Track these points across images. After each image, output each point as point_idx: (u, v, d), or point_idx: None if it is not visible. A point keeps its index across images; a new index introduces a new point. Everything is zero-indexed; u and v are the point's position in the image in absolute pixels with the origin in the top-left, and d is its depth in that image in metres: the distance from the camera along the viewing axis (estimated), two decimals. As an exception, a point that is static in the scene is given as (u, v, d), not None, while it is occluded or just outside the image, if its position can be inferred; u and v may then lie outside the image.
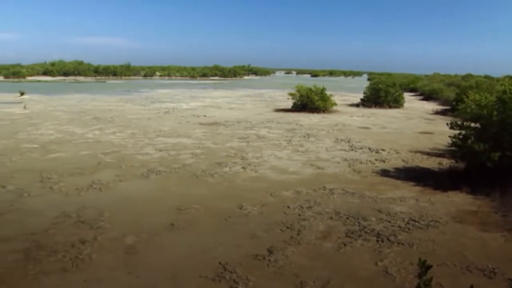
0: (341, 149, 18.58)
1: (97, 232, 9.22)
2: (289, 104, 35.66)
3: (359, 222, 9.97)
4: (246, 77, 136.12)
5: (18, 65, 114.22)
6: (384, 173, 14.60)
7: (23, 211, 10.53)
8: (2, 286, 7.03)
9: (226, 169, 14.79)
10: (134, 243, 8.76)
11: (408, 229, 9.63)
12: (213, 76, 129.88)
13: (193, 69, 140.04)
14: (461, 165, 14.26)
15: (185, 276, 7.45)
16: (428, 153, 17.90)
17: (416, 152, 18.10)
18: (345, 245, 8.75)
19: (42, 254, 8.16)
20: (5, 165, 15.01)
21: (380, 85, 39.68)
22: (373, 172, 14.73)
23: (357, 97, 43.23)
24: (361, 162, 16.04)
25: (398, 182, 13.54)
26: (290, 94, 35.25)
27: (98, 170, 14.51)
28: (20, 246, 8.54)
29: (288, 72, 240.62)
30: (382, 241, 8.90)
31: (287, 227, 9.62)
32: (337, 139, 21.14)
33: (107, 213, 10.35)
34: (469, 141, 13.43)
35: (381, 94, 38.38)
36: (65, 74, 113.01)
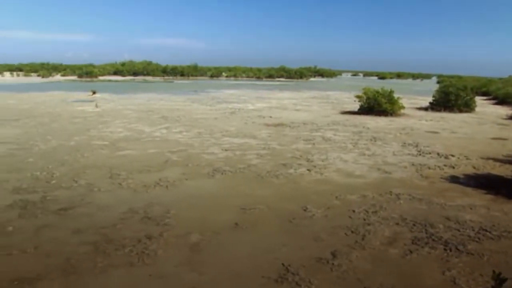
0: (409, 154, 18.14)
1: (163, 229, 9.43)
2: (355, 106, 35.22)
3: (426, 229, 9.70)
4: (312, 79, 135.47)
5: (91, 65, 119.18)
6: (453, 179, 14.13)
7: (93, 205, 10.92)
8: (73, 275, 7.33)
9: (291, 170, 14.77)
10: (198, 241, 8.90)
11: (478, 238, 9.28)
12: (279, 77, 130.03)
13: (259, 70, 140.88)
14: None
15: (248, 275, 7.49)
16: (501, 160, 17.16)
17: (488, 158, 17.40)
18: (411, 252, 8.54)
19: (110, 247, 8.44)
20: (77, 160, 15.63)
21: (450, 88, 38.29)
22: (441, 178, 14.30)
23: (426, 100, 42.05)
24: (429, 168, 15.61)
25: (468, 189, 13.07)
26: (357, 96, 34.76)
27: (165, 168, 14.84)
28: (90, 238, 8.87)
29: (355, 74, 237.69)
30: (450, 250, 8.62)
31: (352, 231, 9.50)
32: (404, 143, 20.67)
33: (173, 211, 10.57)
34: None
35: (451, 97, 37.00)
36: (135, 74, 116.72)
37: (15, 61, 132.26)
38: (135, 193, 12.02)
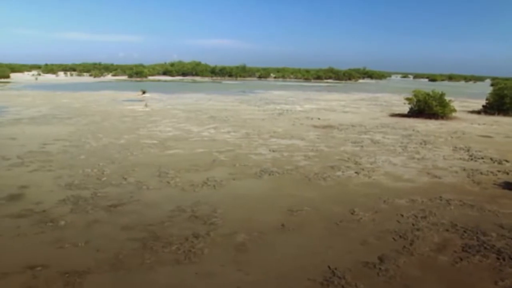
0: (460, 158, 17.69)
1: (210, 228, 9.51)
2: (405, 109, 34.64)
3: (477, 237, 9.42)
4: (361, 81, 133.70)
5: (141, 65, 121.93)
6: (507, 186, 13.65)
7: (142, 203, 11.12)
8: (122, 271, 7.49)
9: (339, 173, 14.64)
10: (245, 240, 8.93)
11: (534, 248, 8.94)
12: (327, 78, 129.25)
13: (307, 71, 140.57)
14: None
15: (294, 277, 7.46)
16: (558, 167, 16.50)
17: (545, 165, 16.75)
18: (461, 259, 8.31)
19: (158, 244, 8.57)
20: (127, 158, 15.95)
21: (506, 91, 36.75)
22: (494, 184, 13.87)
23: (479, 103, 40.91)
24: (481, 173, 15.16)
25: (523, 196, 12.63)
26: (407, 99, 34.14)
27: (212, 167, 14.96)
28: (138, 235, 9.04)
29: (405, 76, 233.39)
30: (504, 259, 8.32)
31: (400, 236, 9.32)
32: (455, 147, 20.16)
33: (220, 210, 10.64)
34: None
35: (506, 100, 35.67)
36: (183, 74, 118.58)
37: (69, 62, 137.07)
38: (183, 192, 12.16)
